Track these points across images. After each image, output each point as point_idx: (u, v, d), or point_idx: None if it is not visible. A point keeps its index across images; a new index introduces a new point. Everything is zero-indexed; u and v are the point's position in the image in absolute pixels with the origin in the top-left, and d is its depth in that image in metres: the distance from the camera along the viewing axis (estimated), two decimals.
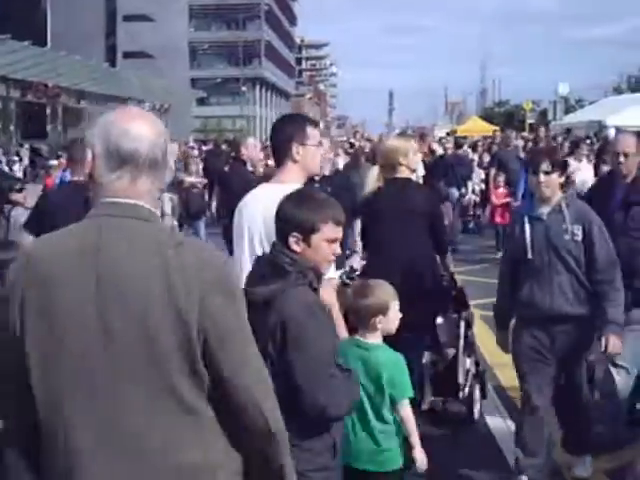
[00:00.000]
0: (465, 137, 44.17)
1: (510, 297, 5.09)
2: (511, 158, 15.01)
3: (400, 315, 4.03)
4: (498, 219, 14.11)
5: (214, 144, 27.09)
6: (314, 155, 4.21)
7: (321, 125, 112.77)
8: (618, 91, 64.12)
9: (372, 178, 6.19)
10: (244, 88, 70.92)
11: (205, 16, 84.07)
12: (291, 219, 3.19)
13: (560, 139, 23.54)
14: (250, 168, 8.88)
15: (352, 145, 25.16)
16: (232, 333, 2.10)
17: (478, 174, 15.96)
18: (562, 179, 4.92)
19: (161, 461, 2.06)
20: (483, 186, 15.61)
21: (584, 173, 13.80)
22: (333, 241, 3.20)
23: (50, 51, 40.03)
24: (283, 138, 4.14)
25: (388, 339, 4.07)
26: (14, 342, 2.10)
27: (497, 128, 53.34)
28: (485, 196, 15.74)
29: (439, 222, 6.07)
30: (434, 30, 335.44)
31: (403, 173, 5.86)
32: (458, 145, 17.76)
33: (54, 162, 18.15)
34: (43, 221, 5.77)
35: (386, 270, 5.02)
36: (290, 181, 4.01)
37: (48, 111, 39.52)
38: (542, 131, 19.50)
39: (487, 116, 75.44)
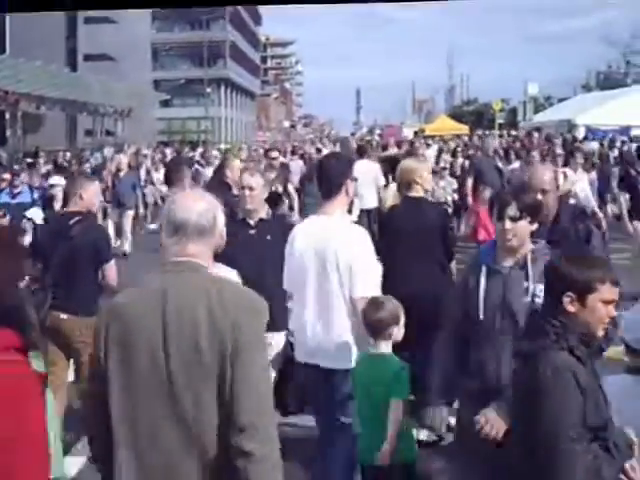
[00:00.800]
0: (434, 136, 44.50)
1: (456, 365, 4.28)
2: (489, 167, 13.96)
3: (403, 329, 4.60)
4: (482, 235, 11.34)
5: (176, 152, 26.53)
6: (354, 188, 4.97)
7: (287, 124, 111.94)
8: (587, 88, 64.96)
9: (390, 196, 6.69)
10: (209, 89, 70.59)
11: (168, 17, 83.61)
12: (566, 278, 3.14)
13: (557, 141, 22.39)
14: (235, 191, 8.43)
15: (319, 150, 24.94)
16: (250, 343, 2.77)
17: (450, 183, 15.51)
18: (534, 226, 4.11)
19: (216, 458, 2.73)
20: (456, 196, 15.08)
21: (582, 184, 13.15)
22: (610, 302, 3.15)
23: (9, 57, 39.63)
24: (339, 174, 4.79)
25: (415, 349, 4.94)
26: (99, 371, 2.88)
27: (466, 127, 53.88)
28: (458, 207, 15.26)
29: (449, 234, 6.78)
30: (401, 24, 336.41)
31: (418, 192, 6.50)
32: (409, 153, 17.51)
33: (6, 176, 17.22)
34: (37, 250, 6.28)
35: (404, 284, 5.37)
36: (335, 213, 4.73)
37: (7, 117, 39.18)
38: (535, 137, 18.27)
39: (456, 115, 75.92)
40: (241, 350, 2.72)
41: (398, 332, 4.53)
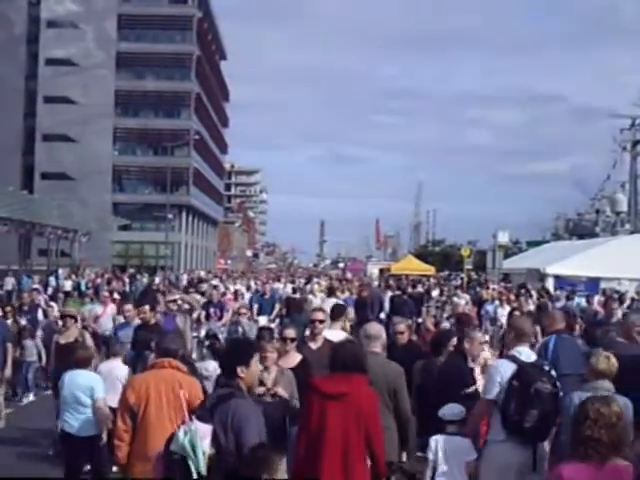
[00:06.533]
0: (399, 276, 44.99)
1: None
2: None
3: None
4: None
5: (131, 276, 25.66)
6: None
7: (249, 253, 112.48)
8: (556, 236, 66.43)
9: None
10: (170, 215, 71.10)
11: (130, 140, 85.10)
12: None
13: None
14: (471, 364, 8.24)
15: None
16: (401, 389, 7.40)
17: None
18: None
19: None
20: None
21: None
22: None
23: None
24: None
25: None
26: None
27: (432, 268, 54.72)
28: None
29: None
30: (369, 161, 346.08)
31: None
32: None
33: None
34: None
35: None
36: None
37: None
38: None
39: (422, 254, 77.15)
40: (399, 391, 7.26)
41: None
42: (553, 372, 6.92)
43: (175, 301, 15.30)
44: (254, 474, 4.80)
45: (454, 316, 14.80)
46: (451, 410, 7.29)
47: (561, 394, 6.87)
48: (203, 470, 4.87)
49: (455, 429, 7.21)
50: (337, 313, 10.87)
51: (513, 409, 6.60)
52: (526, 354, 6.94)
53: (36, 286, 28.16)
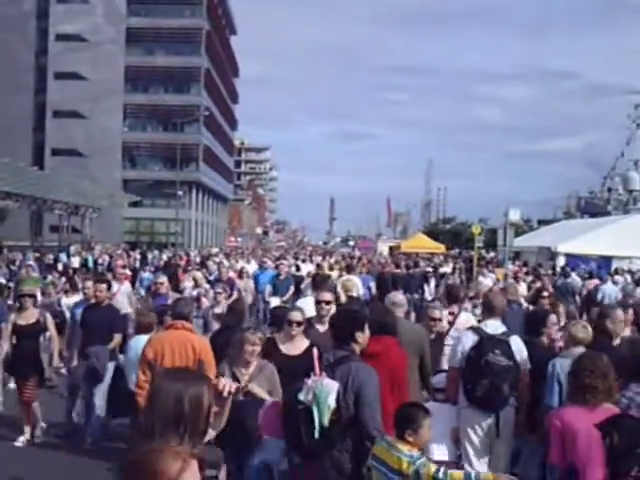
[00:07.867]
0: (409, 254, 45.00)
1: None
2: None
3: None
4: None
5: (142, 253, 25.74)
6: None
7: (259, 230, 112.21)
8: (568, 214, 66.15)
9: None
10: (180, 192, 71.10)
11: (140, 116, 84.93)
12: None
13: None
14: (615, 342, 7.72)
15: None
16: (427, 348, 8.05)
17: None
18: None
19: None
20: None
21: None
22: None
23: None
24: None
25: None
26: None
27: (442, 246, 54.67)
28: None
29: None
30: (378, 138, 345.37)
31: None
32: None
33: None
34: None
35: None
36: None
37: None
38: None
39: (432, 232, 76.93)
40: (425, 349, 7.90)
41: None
42: (518, 345, 7.25)
43: (163, 283, 14.14)
44: (400, 431, 5.32)
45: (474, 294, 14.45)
46: (441, 379, 7.75)
47: (528, 366, 7.26)
48: (326, 422, 5.34)
49: (444, 397, 7.63)
50: (320, 283, 10.75)
51: (468, 378, 7.13)
52: (492, 327, 7.36)
53: (30, 262, 27.36)
